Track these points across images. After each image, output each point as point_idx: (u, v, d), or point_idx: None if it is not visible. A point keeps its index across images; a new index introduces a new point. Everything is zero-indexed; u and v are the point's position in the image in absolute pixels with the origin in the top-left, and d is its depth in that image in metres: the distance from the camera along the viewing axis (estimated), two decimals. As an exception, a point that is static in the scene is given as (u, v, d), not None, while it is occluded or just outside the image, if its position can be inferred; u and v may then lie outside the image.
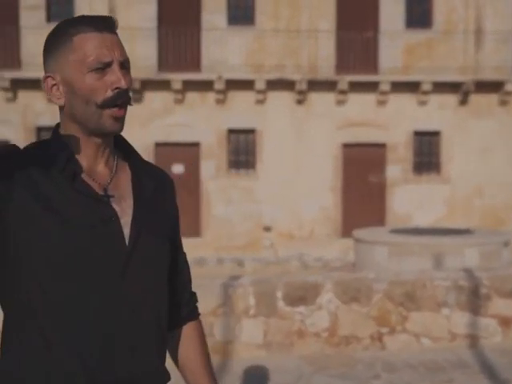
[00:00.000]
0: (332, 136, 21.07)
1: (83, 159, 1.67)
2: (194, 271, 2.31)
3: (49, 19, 20.60)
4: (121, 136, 1.80)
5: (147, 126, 20.57)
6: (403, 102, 21.14)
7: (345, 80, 20.52)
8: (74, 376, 1.58)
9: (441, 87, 20.93)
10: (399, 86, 20.80)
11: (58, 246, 1.56)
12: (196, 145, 20.81)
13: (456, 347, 6.83)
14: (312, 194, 20.94)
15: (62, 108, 1.66)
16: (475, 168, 21.39)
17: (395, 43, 20.97)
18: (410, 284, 6.83)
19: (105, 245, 1.62)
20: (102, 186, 1.67)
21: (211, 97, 20.72)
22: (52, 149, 1.65)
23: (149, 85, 20.45)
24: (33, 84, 19.77)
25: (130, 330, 1.65)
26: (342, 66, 21.07)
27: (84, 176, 1.65)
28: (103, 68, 1.63)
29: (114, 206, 1.66)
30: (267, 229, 20.61)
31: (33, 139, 20.13)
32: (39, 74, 17.20)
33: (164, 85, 20.30)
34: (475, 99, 21.24)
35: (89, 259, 1.58)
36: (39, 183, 1.59)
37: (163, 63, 20.87)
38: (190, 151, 20.62)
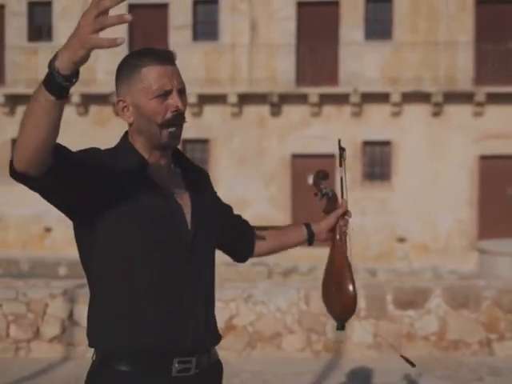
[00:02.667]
0: (468, 148, 20.94)
1: (151, 163, 2.06)
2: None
3: (195, 38, 21.85)
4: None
5: (285, 138, 21.25)
6: (546, 113, 20.69)
7: (482, 92, 20.36)
8: (158, 336, 1.99)
9: None
10: (542, 97, 20.41)
11: (138, 230, 1.97)
12: (332, 156, 21.23)
13: None
14: (447, 207, 20.86)
15: (130, 124, 2.08)
16: None
17: (536, 54, 20.60)
18: (520, 292, 6.98)
19: (174, 230, 2.02)
20: (164, 185, 2.06)
21: (347, 110, 21.14)
22: (127, 155, 2.05)
23: (287, 98, 21.15)
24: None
25: (195, 293, 2.05)
26: (480, 77, 20.93)
27: (152, 176, 2.05)
28: (165, 95, 2.00)
29: (178, 200, 2.06)
30: (401, 240, 20.72)
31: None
32: (189, 89, 18.51)
33: (301, 98, 20.94)
34: None
35: (161, 240, 1.99)
36: (123, 180, 1.98)
37: (301, 77, 21.54)
38: (325, 163, 21.04)
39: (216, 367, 2.18)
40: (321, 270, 10.15)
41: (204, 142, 21.27)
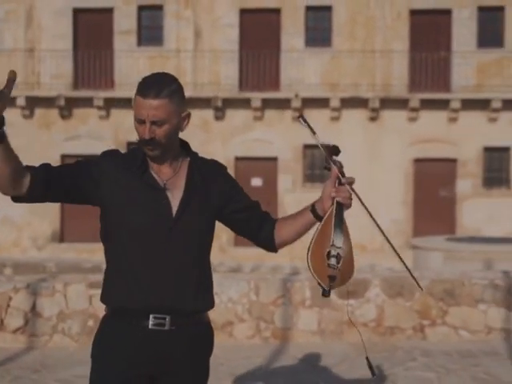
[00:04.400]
0: (404, 151, 21.85)
1: (153, 164, 2.61)
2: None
3: (139, 43, 22.22)
4: (187, 144, 2.72)
5: (228, 142, 21.80)
6: (474, 119, 21.74)
7: (417, 98, 21.28)
8: (141, 290, 2.54)
9: (511, 104, 21.44)
10: (470, 104, 21.43)
11: (130, 213, 2.54)
12: (274, 159, 21.92)
13: (491, 339, 7.56)
14: (384, 208, 21.67)
15: None
16: (545, 184, 21.77)
17: (467, 62, 21.61)
18: (450, 282, 7.64)
19: (159, 215, 2.55)
20: (163, 180, 2.59)
21: (288, 114, 21.81)
22: (135, 154, 2.61)
23: (230, 103, 21.69)
24: (124, 103, 21.35)
25: (175, 266, 2.55)
26: (414, 84, 21.88)
27: (153, 173, 2.59)
28: (140, 122, 2.50)
29: (168, 193, 2.57)
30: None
31: (123, 154, 21.71)
32: (130, 93, 18.71)
33: (244, 103, 21.51)
34: (544, 116, 21.68)
35: (147, 225, 2.54)
36: (123, 174, 2.56)
37: (244, 82, 22.13)
38: (268, 165, 21.73)
39: (200, 328, 2.67)
40: (264, 269, 10.95)
41: (149, 144, 21.66)
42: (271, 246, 2.79)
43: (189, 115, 2.68)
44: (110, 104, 21.79)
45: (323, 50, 21.98)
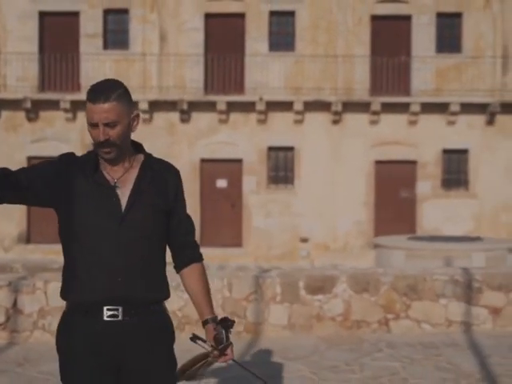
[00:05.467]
0: (365, 154, 22.37)
1: (106, 165, 2.76)
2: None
3: (105, 47, 22.41)
4: (141, 145, 2.85)
5: (194, 144, 22.08)
6: (433, 122, 22.36)
7: (378, 101, 21.82)
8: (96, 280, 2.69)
9: (469, 108, 22.13)
10: (429, 107, 22.04)
11: (81, 211, 2.69)
12: (239, 161, 22.26)
13: (452, 332, 7.99)
14: (346, 209, 22.21)
15: None
16: (501, 185, 22.44)
17: (426, 67, 22.22)
18: (413, 278, 8.05)
19: (108, 212, 2.70)
20: (114, 179, 2.74)
21: (253, 117, 22.18)
22: (88, 156, 2.79)
23: (196, 106, 21.98)
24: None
25: (125, 260, 2.69)
26: (375, 88, 22.41)
27: (105, 173, 2.74)
28: (93, 125, 2.67)
29: (118, 191, 2.73)
30: (304, 240, 21.93)
31: (89, 156, 21.85)
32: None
33: (210, 106, 21.81)
34: (501, 119, 22.35)
35: (98, 219, 2.69)
36: (76, 175, 2.72)
37: (209, 86, 22.44)
38: (233, 167, 22.05)
39: (155, 318, 2.79)
40: (230, 269, 11.24)
41: (115, 147, 21.84)
42: (176, 268, 2.96)
43: (138, 115, 2.80)
44: (77, 107, 21.92)
45: (287, 55, 22.40)
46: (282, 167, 22.54)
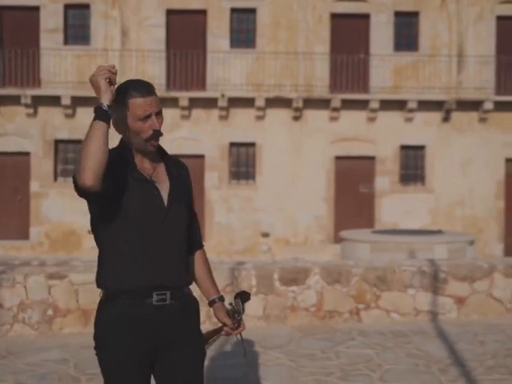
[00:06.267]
0: (325, 150, 22.73)
1: (137, 161, 2.96)
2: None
3: (66, 42, 22.36)
4: (160, 145, 3.04)
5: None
6: (391, 119, 22.84)
7: (338, 98, 22.21)
8: (139, 272, 2.89)
9: (426, 105, 22.66)
10: (388, 104, 22.50)
11: (129, 206, 2.87)
12: (201, 157, 22.44)
13: (419, 321, 8.34)
14: (307, 204, 22.56)
15: (122, 136, 2.99)
16: (457, 180, 23.05)
17: (385, 65, 22.68)
18: (382, 269, 8.37)
19: (153, 207, 2.91)
20: (148, 175, 2.94)
21: (215, 113, 22.37)
22: (125, 152, 2.94)
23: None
24: (52, 101, 21.50)
25: (168, 249, 2.94)
26: (335, 85, 22.79)
27: (138, 169, 2.93)
28: (146, 118, 2.87)
29: (157, 185, 2.94)
30: (265, 235, 22.22)
31: (51, 151, 21.82)
32: (58, 91, 18.92)
33: (172, 102, 21.90)
34: (457, 116, 22.95)
35: (145, 214, 2.90)
36: (120, 169, 2.86)
37: (171, 82, 22.55)
38: (195, 163, 22.18)
39: (189, 300, 3.06)
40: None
41: (77, 142, 21.80)
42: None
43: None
44: (38, 102, 21.83)
45: (248, 51, 22.61)
46: (243, 163, 22.77)
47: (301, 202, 22.57)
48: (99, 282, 2.98)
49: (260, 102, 22.05)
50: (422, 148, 23.23)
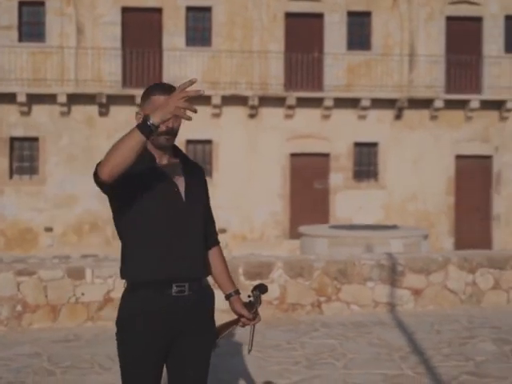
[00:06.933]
0: (281, 147, 23.05)
1: (156, 155, 3.10)
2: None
3: (21, 39, 22.23)
4: (176, 145, 3.21)
5: (113, 137, 22.13)
6: (345, 116, 23.27)
7: (293, 96, 22.53)
8: (159, 260, 3.03)
9: (378, 103, 23.16)
10: (341, 102, 22.92)
11: (150, 202, 3.02)
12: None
13: (378, 312, 8.66)
14: (263, 200, 22.84)
15: None
16: (409, 176, 23.61)
17: (338, 63, 23.09)
18: (343, 263, 8.67)
19: (171, 203, 3.06)
20: (166, 172, 3.07)
21: (172, 110, 22.46)
22: (144, 152, 2.98)
23: (114, 99, 22.09)
24: (7, 98, 21.38)
25: (186, 243, 3.09)
26: (290, 83, 23.12)
27: (158, 166, 3.07)
28: None
29: (175, 181, 3.10)
30: (222, 231, 22.43)
31: (6, 149, 21.71)
32: (13, 88, 18.80)
33: (128, 99, 21.94)
34: (409, 114, 23.51)
35: (164, 209, 3.04)
36: (142, 167, 2.98)
37: (127, 79, 22.59)
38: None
39: (206, 291, 3.20)
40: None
41: (33, 139, 21.75)
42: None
43: None
44: (-8, 99, 21.71)
45: (204, 50, 22.80)
46: (200, 160, 22.77)
47: (257, 199, 22.85)
48: (122, 273, 3.13)
49: (216, 100, 22.25)
50: (375, 145, 23.74)
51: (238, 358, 6.61)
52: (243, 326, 3.38)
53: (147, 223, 3.05)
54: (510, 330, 7.74)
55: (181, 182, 3.13)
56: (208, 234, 3.32)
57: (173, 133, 3.07)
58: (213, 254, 3.37)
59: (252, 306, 3.34)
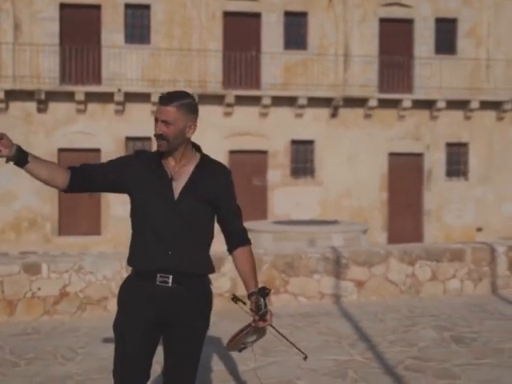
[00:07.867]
0: (220, 144, 23.31)
1: (166, 160, 3.39)
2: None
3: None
4: (199, 147, 3.44)
5: (51, 134, 22.10)
6: (282, 115, 23.73)
7: (231, 94, 22.84)
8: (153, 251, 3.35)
9: (315, 102, 23.68)
10: (279, 100, 23.36)
11: (146, 198, 3.34)
12: (97, 151, 22.53)
13: (324, 303, 9.03)
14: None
15: None
16: (344, 173, 24.22)
17: (275, 62, 23.50)
18: (290, 257, 9.02)
19: (165, 200, 3.33)
20: (171, 172, 3.37)
21: (111, 108, 22.51)
22: (155, 153, 3.42)
23: (53, 96, 21.98)
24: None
25: (176, 239, 3.32)
26: (228, 81, 23.41)
27: (165, 167, 3.36)
28: (155, 121, 3.31)
29: (174, 182, 3.34)
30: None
31: None
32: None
33: (67, 96, 21.89)
34: (344, 113, 24.11)
35: (158, 205, 3.32)
36: (145, 168, 3.36)
37: (66, 76, 22.50)
38: (91, 157, 22.20)
39: (198, 287, 3.43)
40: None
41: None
42: (228, 251, 3.62)
43: (195, 125, 3.36)
44: None
45: (143, 47, 22.91)
46: (139, 156, 23.03)
47: (196, 196, 23.04)
48: (128, 260, 3.47)
49: (155, 98, 22.32)
50: (311, 142, 24.25)
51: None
52: (255, 328, 3.60)
53: (142, 218, 3.37)
54: (448, 318, 8.22)
55: (180, 182, 3.36)
56: (227, 234, 3.52)
57: (162, 138, 3.29)
58: (238, 254, 3.54)
59: (257, 308, 3.50)
